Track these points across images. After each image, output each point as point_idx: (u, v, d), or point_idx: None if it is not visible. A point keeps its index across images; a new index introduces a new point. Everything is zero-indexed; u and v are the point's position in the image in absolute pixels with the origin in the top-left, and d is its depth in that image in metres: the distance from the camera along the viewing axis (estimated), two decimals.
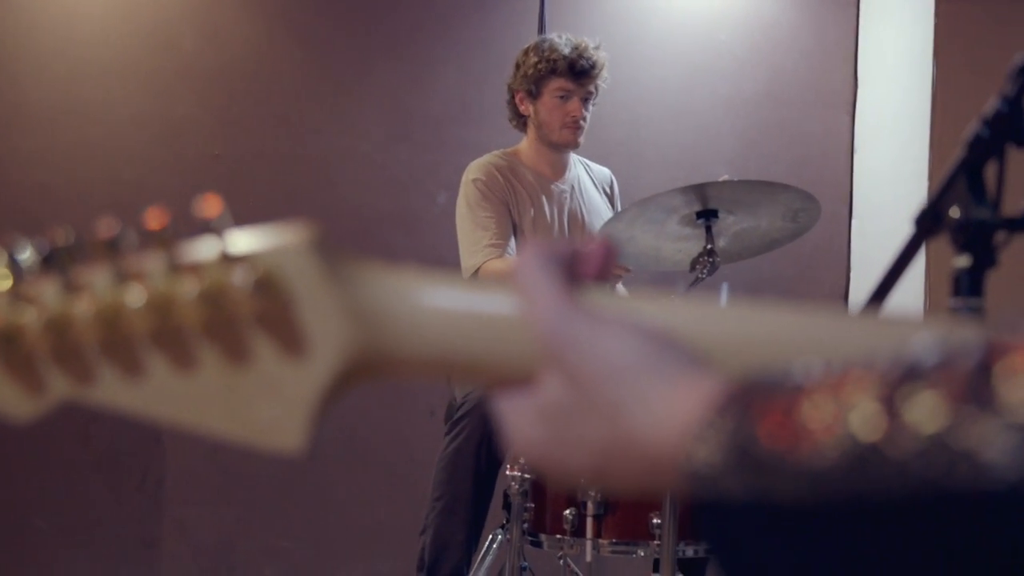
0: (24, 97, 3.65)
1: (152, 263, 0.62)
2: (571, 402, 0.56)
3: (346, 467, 3.77)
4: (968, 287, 1.12)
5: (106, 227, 0.62)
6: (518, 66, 3.11)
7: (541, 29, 3.67)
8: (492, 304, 0.61)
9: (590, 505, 2.44)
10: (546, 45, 3.06)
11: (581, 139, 3.09)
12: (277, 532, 3.78)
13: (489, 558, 3.00)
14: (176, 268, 0.62)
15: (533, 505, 2.55)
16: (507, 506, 2.66)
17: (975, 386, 0.39)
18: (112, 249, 0.62)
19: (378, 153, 3.91)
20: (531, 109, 3.10)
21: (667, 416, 0.51)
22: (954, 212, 1.12)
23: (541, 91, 3.06)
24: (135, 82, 3.74)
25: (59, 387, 0.64)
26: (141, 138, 3.74)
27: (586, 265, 0.62)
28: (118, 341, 0.62)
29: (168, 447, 3.70)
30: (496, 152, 3.14)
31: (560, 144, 3.10)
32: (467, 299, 0.61)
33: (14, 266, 0.62)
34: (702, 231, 2.63)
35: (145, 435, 3.63)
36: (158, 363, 0.63)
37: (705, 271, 2.59)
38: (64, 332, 0.62)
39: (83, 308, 0.62)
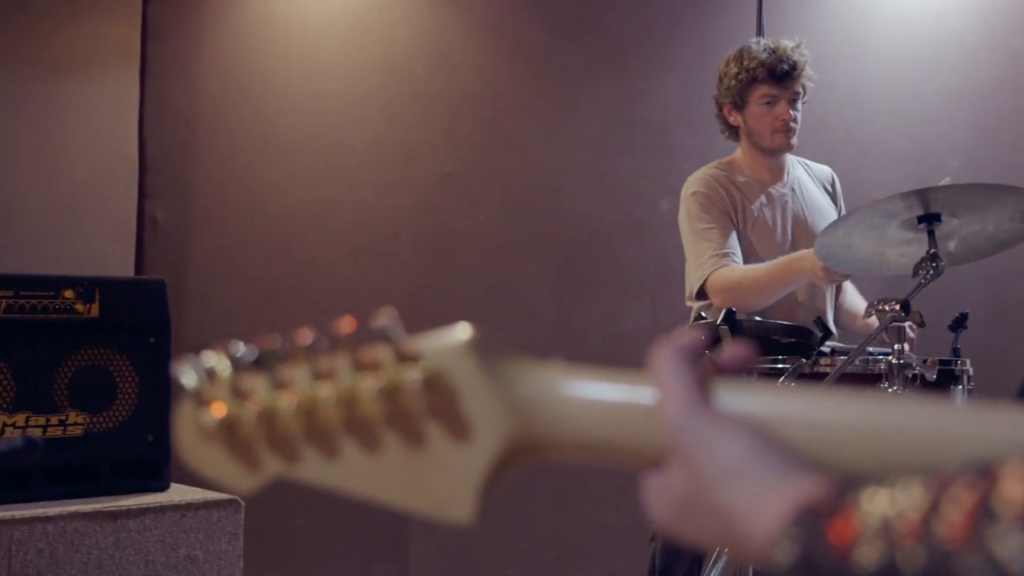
0: (272, 129, 3.94)
1: (341, 363, 0.73)
2: (691, 495, 0.63)
3: (581, 470, 3.88)
4: None
5: (304, 334, 0.74)
6: (721, 78, 3.12)
7: (759, 32, 3.66)
8: (630, 394, 0.68)
9: None
10: (744, 54, 3.06)
11: (794, 141, 3.08)
12: (517, 533, 3.94)
13: (720, 565, 3.04)
14: (360, 367, 0.72)
15: None
16: None
17: (978, 520, 0.44)
18: (310, 352, 0.73)
19: (601, 163, 4.00)
20: (739, 119, 3.11)
21: (766, 521, 0.57)
22: None
23: (746, 100, 3.07)
24: (372, 109, 3.98)
25: (272, 466, 0.76)
26: (378, 161, 3.97)
27: (726, 359, 0.69)
28: (317, 429, 0.74)
29: None
30: (713, 164, 3.17)
31: (774, 149, 3.10)
32: (608, 390, 0.69)
33: (234, 365, 0.75)
34: (925, 235, 2.58)
35: None
36: (350, 447, 0.73)
37: (928, 275, 2.54)
38: (273, 421, 0.74)
39: (287, 401, 0.73)
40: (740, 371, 0.68)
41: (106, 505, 2.97)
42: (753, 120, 3.08)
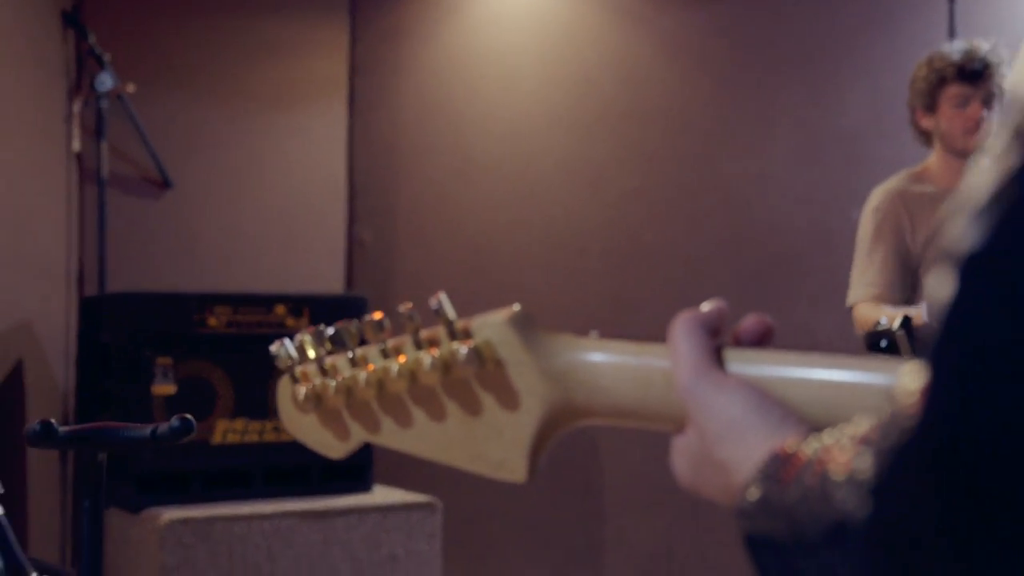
0: (468, 154, 4.12)
1: (405, 341, 0.84)
2: (700, 451, 0.70)
3: None
4: None
5: (376, 315, 0.85)
6: (912, 82, 3.10)
7: (951, 35, 3.58)
8: (654, 362, 0.75)
9: None
10: (935, 56, 3.04)
11: None
12: (713, 540, 3.96)
13: None
14: (420, 343, 0.83)
15: None
16: None
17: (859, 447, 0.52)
18: (378, 330, 0.84)
19: (791, 174, 4.00)
20: (932, 123, 3.08)
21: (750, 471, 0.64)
22: None
23: (937, 102, 3.03)
24: (561, 129, 4.11)
25: (358, 434, 0.88)
26: (568, 179, 4.09)
27: (743, 331, 0.76)
28: (389, 400, 0.85)
29: (604, 460, 4.01)
30: (902, 174, 3.14)
31: (967, 151, 3.04)
32: (635, 359, 0.76)
33: (319, 345, 0.87)
34: None
35: (584, 450, 3.97)
36: (420, 417, 0.84)
37: None
38: (352, 393, 0.86)
39: (363, 376, 0.85)
40: (757, 341, 0.75)
41: (316, 505, 3.20)
42: (945, 121, 3.05)
